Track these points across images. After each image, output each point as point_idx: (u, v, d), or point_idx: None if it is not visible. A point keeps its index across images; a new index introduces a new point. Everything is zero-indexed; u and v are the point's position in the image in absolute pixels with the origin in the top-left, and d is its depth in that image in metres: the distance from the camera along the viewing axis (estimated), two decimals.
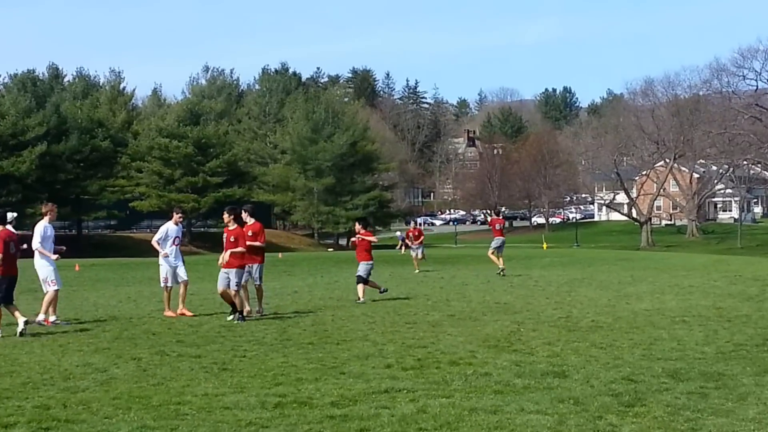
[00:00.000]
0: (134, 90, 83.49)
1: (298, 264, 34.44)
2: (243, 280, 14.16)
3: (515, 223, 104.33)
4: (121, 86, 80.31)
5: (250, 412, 7.33)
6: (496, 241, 25.38)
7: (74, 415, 7.17)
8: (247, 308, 14.13)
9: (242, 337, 11.87)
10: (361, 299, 16.89)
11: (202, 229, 72.12)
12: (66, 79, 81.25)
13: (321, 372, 9.18)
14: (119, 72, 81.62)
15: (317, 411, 7.36)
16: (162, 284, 15.20)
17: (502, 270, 24.54)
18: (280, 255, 47.75)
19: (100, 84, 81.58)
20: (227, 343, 11.37)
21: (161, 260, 15.16)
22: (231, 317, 13.91)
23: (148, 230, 71.46)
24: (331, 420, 7.04)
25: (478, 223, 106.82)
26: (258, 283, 14.92)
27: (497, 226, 25.57)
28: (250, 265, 14.60)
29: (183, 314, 14.67)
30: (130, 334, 12.31)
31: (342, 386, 8.40)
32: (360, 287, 17.19)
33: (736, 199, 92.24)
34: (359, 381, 8.67)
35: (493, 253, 25.35)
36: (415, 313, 14.95)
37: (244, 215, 14.86)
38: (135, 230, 69.99)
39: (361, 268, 17.37)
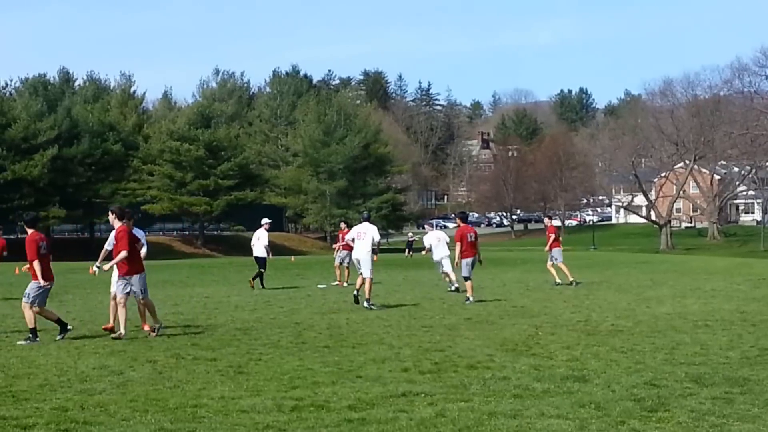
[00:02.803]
0: (145, 93, 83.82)
1: (311, 267, 34.37)
2: (122, 292, 12.22)
3: (530, 226, 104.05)
4: (132, 90, 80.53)
5: (267, 415, 7.24)
6: (557, 251, 22.37)
7: (92, 417, 7.12)
8: (121, 331, 12.00)
9: (257, 341, 11.80)
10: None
11: (215, 233, 72.23)
12: (77, 83, 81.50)
13: (337, 375, 9.09)
14: (130, 75, 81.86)
15: (335, 414, 7.27)
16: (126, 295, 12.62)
17: (574, 281, 21.76)
18: (292, 258, 47.75)
19: (111, 88, 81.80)
20: (243, 346, 11.30)
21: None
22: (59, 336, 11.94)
23: (161, 233, 71.78)
24: (349, 423, 6.94)
25: (494, 225, 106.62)
26: (139, 297, 12.46)
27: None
28: (128, 276, 12.38)
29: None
30: (145, 336, 12.25)
31: (359, 390, 8.30)
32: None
33: (758, 200, 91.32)
34: (376, 384, 8.56)
35: (552, 265, 22.32)
36: (431, 316, 14.83)
37: (110, 217, 12.69)
38: (147, 233, 70.13)
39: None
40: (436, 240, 21.72)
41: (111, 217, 12.58)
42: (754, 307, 16.12)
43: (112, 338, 11.92)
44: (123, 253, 12.05)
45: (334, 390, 8.30)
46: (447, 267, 20.89)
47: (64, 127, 63.69)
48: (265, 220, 23.94)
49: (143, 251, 12.99)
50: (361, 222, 17.75)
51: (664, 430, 6.77)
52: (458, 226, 18.40)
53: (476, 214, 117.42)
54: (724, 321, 13.77)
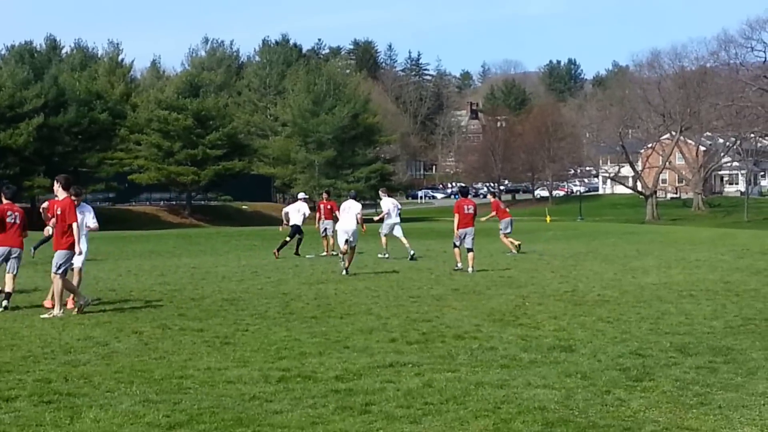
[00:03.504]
0: (133, 62, 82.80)
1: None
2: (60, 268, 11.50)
3: (518, 197, 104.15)
4: (120, 58, 79.66)
5: (254, 386, 7.24)
6: (505, 222, 23.75)
7: (76, 389, 7.08)
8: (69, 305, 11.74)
9: (245, 311, 11.78)
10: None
11: (203, 203, 71.95)
12: (64, 51, 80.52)
13: (325, 346, 9.09)
14: (118, 44, 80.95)
15: (321, 385, 7.27)
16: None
17: (514, 251, 22.77)
18: (280, 228, 47.67)
19: (99, 56, 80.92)
20: (229, 317, 11.27)
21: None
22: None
23: (148, 203, 71.39)
24: (336, 394, 6.95)
25: (481, 196, 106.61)
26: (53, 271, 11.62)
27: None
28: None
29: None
30: (131, 307, 12.21)
31: (346, 360, 8.31)
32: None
33: (742, 172, 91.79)
34: (363, 355, 8.57)
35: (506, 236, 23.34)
36: (419, 287, 14.85)
37: (56, 186, 12.01)
38: (134, 203, 69.78)
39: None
40: (393, 206, 22.61)
41: (56, 186, 11.97)
42: (738, 277, 16.22)
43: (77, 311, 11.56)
44: (75, 227, 11.54)
45: (321, 361, 8.30)
46: (399, 233, 22.02)
47: (50, 95, 62.97)
48: (301, 195, 25.76)
49: (93, 224, 12.70)
50: (347, 199, 18.96)
51: (649, 399, 6.81)
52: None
53: (463, 184, 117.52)
54: (708, 291, 13.86)
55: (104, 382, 7.35)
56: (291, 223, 23.55)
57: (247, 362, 8.24)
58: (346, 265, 17.37)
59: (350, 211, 18.08)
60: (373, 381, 7.41)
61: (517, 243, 23.30)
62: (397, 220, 22.33)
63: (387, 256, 21.40)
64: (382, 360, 8.29)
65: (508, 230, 23.83)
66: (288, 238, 23.17)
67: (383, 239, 22.12)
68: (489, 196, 28.14)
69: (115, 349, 8.89)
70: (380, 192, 25.24)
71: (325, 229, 23.55)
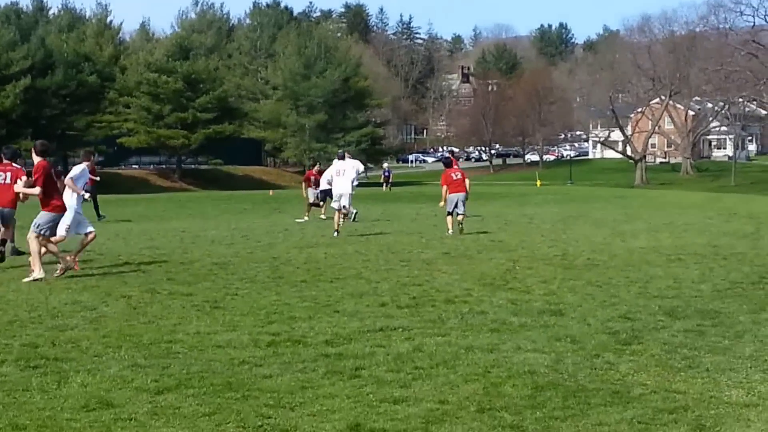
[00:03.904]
0: (121, 24, 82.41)
1: (289, 201, 34.27)
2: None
3: (509, 161, 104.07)
4: (108, 20, 78.77)
5: (243, 350, 7.22)
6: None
7: (63, 354, 7.04)
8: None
9: (234, 275, 11.74)
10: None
11: (193, 166, 71.64)
12: (51, 12, 79.63)
13: (314, 310, 9.07)
14: (106, 5, 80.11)
15: (311, 349, 7.26)
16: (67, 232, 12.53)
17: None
18: (270, 192, 47.63)
19: (87, 17, 80.00)
20: (219, 280, 11.24)
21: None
22: None
23: (137, 167, 70.97)
24: (326, 358, 6.94)
25: (473, 160, 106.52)
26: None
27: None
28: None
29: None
30: (120, 271, 12.14)
31: (336, 324, 8.29)
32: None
33: (730, 136, 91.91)
34: (353, 319, 8.56)
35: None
36: (409, 251, 14.84)
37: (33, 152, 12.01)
38: (123, 167, 69.33)
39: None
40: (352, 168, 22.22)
41: (33, 152, 12.01)
42: (726, 240, 16.29)
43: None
44: (36, 189, 11.50)
45: (311, 325, 8.28)
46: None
47: (37, 57, 62.27)
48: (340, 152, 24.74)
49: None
50: (337, 160, 19.51)
51: (638, 362, 6.83)
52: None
53: (455, 149, 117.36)
54: (696, 255, 13.91)
55: (92, 346, 7.31)
56: (321, 188, 23.15)
57: (236, 327, 8.21)
58: (337, 227, 17.68)
59: (345, 173, 18.49)
60: (363, 345, 7.40)
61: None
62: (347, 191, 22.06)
63: (324, 218, 21.87)
64: (372, 324, 8.28)
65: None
66: (321, 202, 23.59)
67: (336, 215, 21.59)
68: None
69: (103, 314, 8.85)
70: (344, 153, 24.61)
71: (315, 195, 23.56)
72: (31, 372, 6.44)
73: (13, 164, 13.10)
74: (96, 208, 22.88)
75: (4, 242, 12.66)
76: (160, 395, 5.84)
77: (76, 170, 13.43)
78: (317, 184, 23.28)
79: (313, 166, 25.76)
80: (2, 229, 12.63)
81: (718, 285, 10.72)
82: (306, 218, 23.23)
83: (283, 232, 19.03)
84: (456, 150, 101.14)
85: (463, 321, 8.51)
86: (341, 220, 18.18)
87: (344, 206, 18.22)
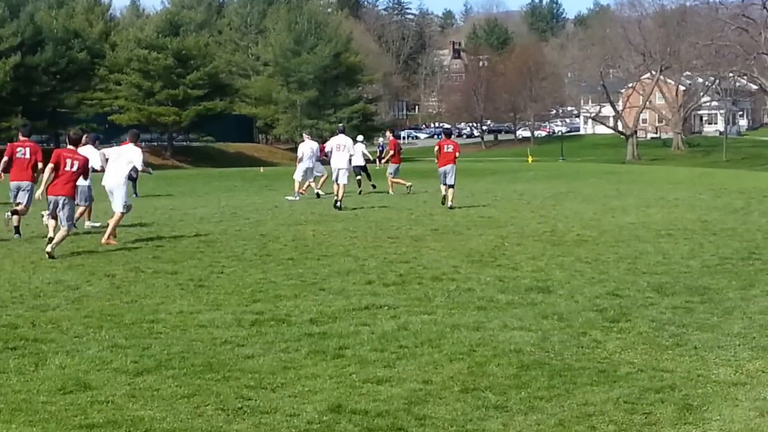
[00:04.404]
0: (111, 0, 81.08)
1: (280, 178, 34.07)
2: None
3: (500, 137, 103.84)
4: None
5: (226, 330, 7.13)
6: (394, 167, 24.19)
7: (43, 335, 6.93)
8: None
9: (221, 253, 11.62)
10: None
11: (184, 144, 71.22)
12: None
13: (300, 288, 8.97)
14: None
15: (295, 328, 7.17)
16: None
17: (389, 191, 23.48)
18: (261, 169, 47.42)
19: None
20: (205, 259, 11.11)
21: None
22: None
23: None
24: (310, 338, 6.85)
25: (464, 136, 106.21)
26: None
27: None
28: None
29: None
30: (105, 250, 11.98)
31: (321, 303, 8.21)
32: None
33: (721, 111, 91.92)
34: (339, 297, 8.48)
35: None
36: (398, 227, 14.73)
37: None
38: (114, 144, 68.75)
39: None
40: (309, 150, 22.49)
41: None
42: (716, 216, 16.24)
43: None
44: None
45: (296, 303, 8.20)
46: (312, 175, 22.60)
47: (27, 33, 61.56)
48: (340, 126, 24.68)
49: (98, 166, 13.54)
50: (336, 134, 20.37)
51: (625, 340, 6.77)
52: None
53: (446, 125, 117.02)
54: (686, 230, 13.85)
55: (73, 327, 7.21)
56: (354, 164, 23.16)
57: (220, 305, 8.12)
58: (338, 199, 18.33)
59: (343, 149, 19.36)
60: (348, 324, 7.32)
61: (408, 183, 23.75)
62: (310, 164, 22.24)
63: (297, 198, 21.43)
64: (358, 302, 8.20)
65: (392, 174, 24.33)
66: (358, 177, 24.11)
67: (297, 184, 22.11)
68: (388, 134, 27.65)
69: (86, 293, 8.73)
70: (303, 135, 24.57)
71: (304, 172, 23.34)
72: (9, 353, 6.34)
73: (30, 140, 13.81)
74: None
75: (17, 213, 13.10)
76: (139, 377, 5.75)
77: (137, 154, 13.53)
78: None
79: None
80: (21, 203, 13.11)
81: (708, 261, 10.66)
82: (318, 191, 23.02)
83: (272, 209, 18.88)
84: (449, 126, 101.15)
85: (449, 299, 8.43)
86: (341, 192, 18.73)
87: (343, 183, 18.89)
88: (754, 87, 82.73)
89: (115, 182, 13.02)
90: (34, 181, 13.15)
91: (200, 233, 14.04)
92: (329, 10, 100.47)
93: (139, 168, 13.52)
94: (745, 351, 6.45)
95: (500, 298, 8.44)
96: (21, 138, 13.70)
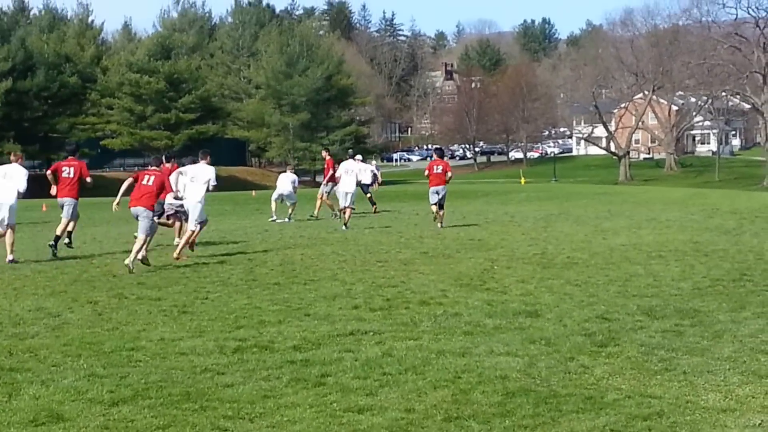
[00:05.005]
0: (103, 24, 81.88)
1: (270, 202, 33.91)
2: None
3: (493, 159, 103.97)
4: (90, 20, 78.15)
5: (207, 357, 6.99)
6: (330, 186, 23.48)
7: (19, 364, 6.78)
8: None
9: (207, 278, 11.48)
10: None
11: None
12: (32, 13, 78.90)
13: (285, 314, 8.84)
14: (87, 5, 79.38)
15: (278, 355, 7.04)
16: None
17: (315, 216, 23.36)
18: (253, 193, 47.29)
19: (68, 17, 79.34)
20: (190, 284, 10.97)
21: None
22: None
23: (121, 169, 70.25)
24: (292, 365, 6.72)
25: (457, 158, 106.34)
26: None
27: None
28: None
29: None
30: (90, 276, 11.81)
31: (306, 329, 8.07)
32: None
33: (714, 131, 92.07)
34: (324, 323, 8.35)
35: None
36: (387, 251, 14.61)
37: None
38: (107, 169, 68.68)
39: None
40: (289, 182, 23.14)
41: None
42: (707, 236, 16.15)
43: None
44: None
45: (280, 330, 8.07)
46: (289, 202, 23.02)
47: (18, 58, 61.61)
48: (358, 157, 24.72)
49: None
50: (346, 160, 21.48)
51: (613, 365, 6.65)
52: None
53: (438, 147, 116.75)
54: (677, 251, 13.76)
55: (51, 355, 7.06)
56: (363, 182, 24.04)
57: (203, 332, 7.98)
58: (345, 221, 19.25)
59: (352, 174, 20.31)
60: (332, 351, 7.19)
61: (338, 209, 22.96)
62: (285, 192, 22.88)
63: (275, 219, 21.98)
64: (343, 328, 8.07)
65: (325, 193, 24.05)
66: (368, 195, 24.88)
67: (273, 204, 23.04)
68: (324, 153, 27.17)
69: (66, 320, 8.59)
70: (354, 154, 24.61)
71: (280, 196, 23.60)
72: None
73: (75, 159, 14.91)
74: None
75: (70, 234, 14.26)
76: (114, 407, 5.61)
77: (212, 173, 14.12)
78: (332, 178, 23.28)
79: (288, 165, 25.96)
80: (67, 220, 14.01)
81: (699, 283, 10.56)
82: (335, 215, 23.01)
83: (262, 233, 18.76)
84: (440, 147, 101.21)
85: (436, 323, 8.31)
86: (344, 216, 19.57)
87: (351, 206, 19.81)
88: (747, 106, 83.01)
89: (194, 200, 13.79)
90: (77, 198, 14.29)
91: (187, 258, 13.85)
92: (321, 32, 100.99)
93: (213, 184, 14.10)
94: (735, 375, 6.34)
95: (488, 322, 8.32)
96: (69, 158, 14.81)
